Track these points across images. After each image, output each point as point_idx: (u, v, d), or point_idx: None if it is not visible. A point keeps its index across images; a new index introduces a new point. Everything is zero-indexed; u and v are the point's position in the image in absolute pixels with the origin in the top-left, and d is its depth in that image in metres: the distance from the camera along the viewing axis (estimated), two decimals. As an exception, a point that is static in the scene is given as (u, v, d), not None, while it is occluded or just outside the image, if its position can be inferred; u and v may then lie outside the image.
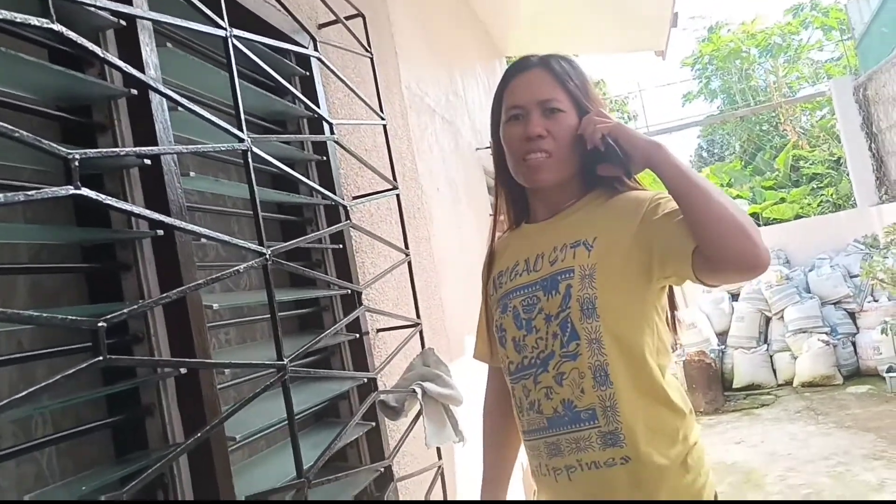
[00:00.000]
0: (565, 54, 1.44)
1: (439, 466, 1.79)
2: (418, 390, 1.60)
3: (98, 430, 1.03)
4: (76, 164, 0.71)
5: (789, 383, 6.94)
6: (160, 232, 1.05)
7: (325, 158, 1.72)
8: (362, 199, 1.73)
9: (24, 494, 0.93)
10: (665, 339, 1.37)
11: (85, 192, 0.71)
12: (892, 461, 4.53)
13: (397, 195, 1.86)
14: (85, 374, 1.00)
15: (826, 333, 6.86)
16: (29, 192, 0.65)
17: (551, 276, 1.35)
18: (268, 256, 1.09)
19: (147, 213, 0.82)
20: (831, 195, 9.73)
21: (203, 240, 1.14)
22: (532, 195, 1.46)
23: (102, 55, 0.80)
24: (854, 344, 6.89)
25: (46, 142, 0.68)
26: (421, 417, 1.65)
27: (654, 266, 1.28)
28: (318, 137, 1.62)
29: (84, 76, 0.99)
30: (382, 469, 1.64)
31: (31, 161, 0.99)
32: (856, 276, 7.03)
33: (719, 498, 1.38)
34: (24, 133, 0.65)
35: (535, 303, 1.35)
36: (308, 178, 1.55)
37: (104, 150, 0.79)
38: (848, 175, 8.74)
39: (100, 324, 0.69)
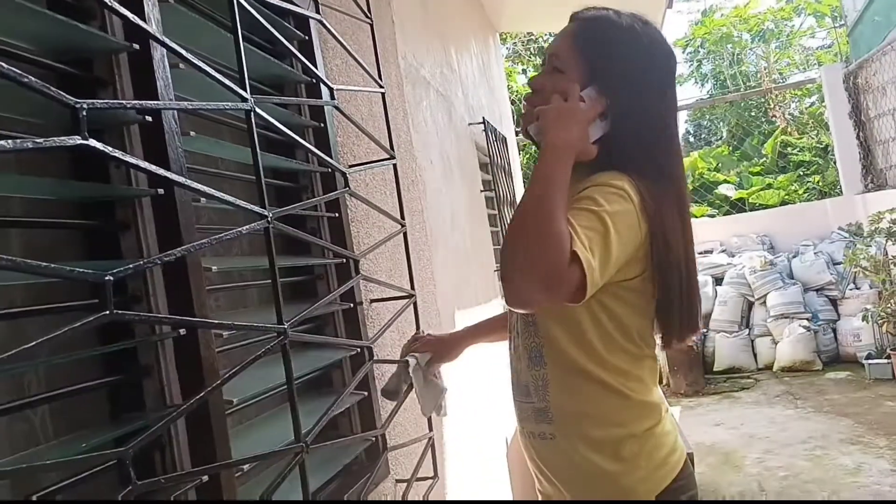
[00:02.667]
0: (622, 17, 1.32)
1: (430, 437, 1.79)
2: (412, 361, 1.59)
3: (93, 391, 1.02)
4: (84, 113, 0.69)
5: (769, 368, 7.02)
6: (161, 191, 1.03)
7: (322, 125, 1.70)
8: (360, 167, 1.71)
9: (16, 453, 0.92)
10: (630, 325, 1.31)
11: (92, 143, 0.70)
12: (868, 446, 4.61)
13: (394, 165, 1.84)
14: (81, 333, 0.99)
15: (807, 319, 6.94)
16: (38, 140, 0.63)
17: None
18: (270, 219, 1.07)
19: (154, 168, 0.81)
20: (818, 182, 9.78)
21: (203, 200, 1.12)
22: None
23: (108, 1, 0.78)
24: (835, 330, 6.98)
25: (55, 89, 0.66)
26: (413, 389, 1.64)
27: None
28: (320, 102, 1.60)
29: (85, 27, 0.97)
30: (374, 438, 1.64)
31: (25, 112, 0.97)
32: (839, 263, 7.10)
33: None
34: (33, 79, 0.63)
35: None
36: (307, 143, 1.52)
37: (111, 101, 0.77)
38: (835, 163, 8.79)
39: (107, 277, 0.68)
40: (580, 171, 1.27)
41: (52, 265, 0.63)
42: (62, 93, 0.67)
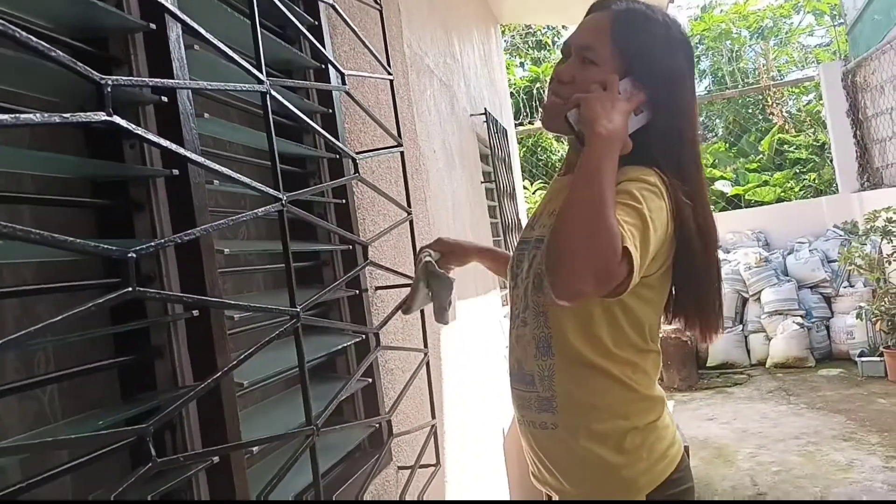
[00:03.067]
0: (656, 12, 1.32)
1: (433, 425, 1.79)
2: (426, 258, 1.55)
3: (104, 371, 1.02)
4: (108, 90, 0.69)
5: (762, 364, 7.06)
6: (175, 171, 1.03)
7: (330, 111, 1.69)
8: (368, 154, 1.70)
9: (26, 431, 0.92)
10: (643, 319, 1.31)
11: (117, 119, 0.69)
12: (860, 443, 4.64)
13: (401, 153, 1.84)
14: (95, 312, 0.98)
15: (801, 316, 6.97)
16: (65, 115, 0.63)
17: (536, 239, 1.37)
18: (284, 202, 1.07)
19: (173, 146, 0.80)
20: (814, 180, 9.81)
21: (216, 182, 1.12)
22: (569, 145, 1.45)
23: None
24: (828, 328, 7.01)
25: (82, 65, 0.66)
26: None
27: None
28: (332, 86, 1.59)
29: (102, 4, 0.96)
30: (377, 425, 1.64)
31: (38, 90, 0.96)
32: (834, 261, 7.14)
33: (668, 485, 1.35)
34: (61, 54, 0.63)
35: (522, 260, 1.40)
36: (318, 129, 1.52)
37: (134, 78, 0.77)
38: (831, 161, 8.81)
39: (130, 254, 0.68)
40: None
41: (79, 240, 0.63)
42: (89, 69, 0.67)
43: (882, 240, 6.11)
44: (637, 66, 1.27)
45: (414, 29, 2.74)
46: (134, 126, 0.73)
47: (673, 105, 1.30)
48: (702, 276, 1.31)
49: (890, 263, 5.93)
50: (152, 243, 0.73)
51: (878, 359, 6.10)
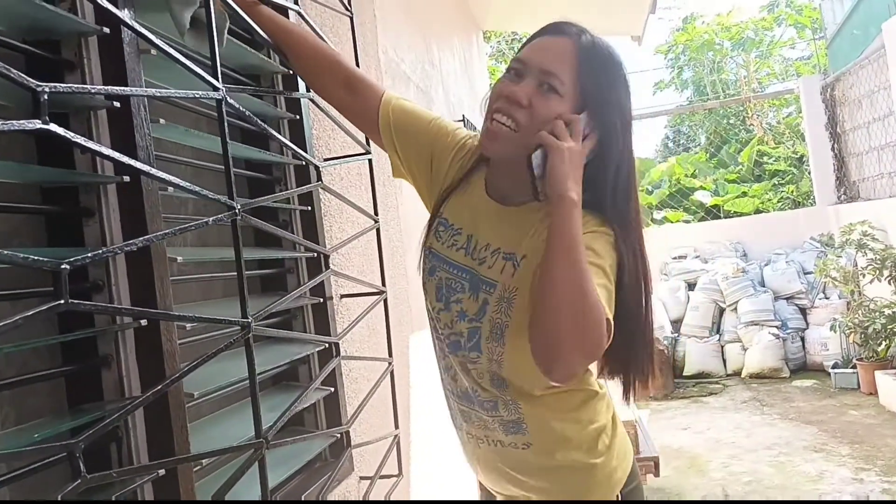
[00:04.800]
0: (616, 53, 1.26)
1: (396, 436, 1.78)
2: None
3: (49, 380, 1.00)
4: (45, 97, 0.67)
5: (738, 374, 7.09)
6: (126, 178, 1.01)
7: (297, 117, 1.68)
8: (334, 162, 1.70)
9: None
10: None
11: (53, 127, 0.68)
12: (831, 454, 4.67)
13: (370, 160, 1.83)
14: (39, 320, 0.97)
15: (777, 327, 7.02)
16: (-6, 122, 0.62)
17: (477, 276, 1.29)
18: (238, 210, 1.06)
19: (117, 155, 0.79)
20: (792, 192, 9.89)
21: (170, 189, 1.10)
22: (492, 164, 1.32)
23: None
24: (803, 339, 7.06)
25: (16, 71, 0.64)
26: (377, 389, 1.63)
27: None
28: (296, 94, 1.58)
29: (54, 9, 0.94)
30: (339, 435, 1.63)
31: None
32: (810, 272, 7.19)
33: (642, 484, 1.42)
34: (-8, 59, 0.62)
35: (458, 289, 1.31)
36: (280, 135, 1.51)
37: (75, 85, 0.76)
38: (809, 173, 8.89)
39: (63, 266, 0.66)
40: (526, 183, 1.21)
41: (6, 251, 0.62)
42: (23, 75, 0.66)
43: (857, 253, 6.16)
44: (594, 104, 1.21)
45: (390, 35, 2.73)
46: (73, 134, 0.71)
47: (625, 147, 1.24)
48: (631, 327, 1.23)
49: (864, 276, 5.98)
50: (88, 254, 0.71)
51: (851, 371, 6.15)
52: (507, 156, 1.23)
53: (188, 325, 1.13)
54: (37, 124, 0.67)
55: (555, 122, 1.18)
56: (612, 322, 1.08)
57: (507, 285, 1.24)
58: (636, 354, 1.27)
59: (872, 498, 3.94)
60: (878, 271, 5.61)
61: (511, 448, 1.33)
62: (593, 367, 1.33)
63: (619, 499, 1.34)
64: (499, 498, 1.45)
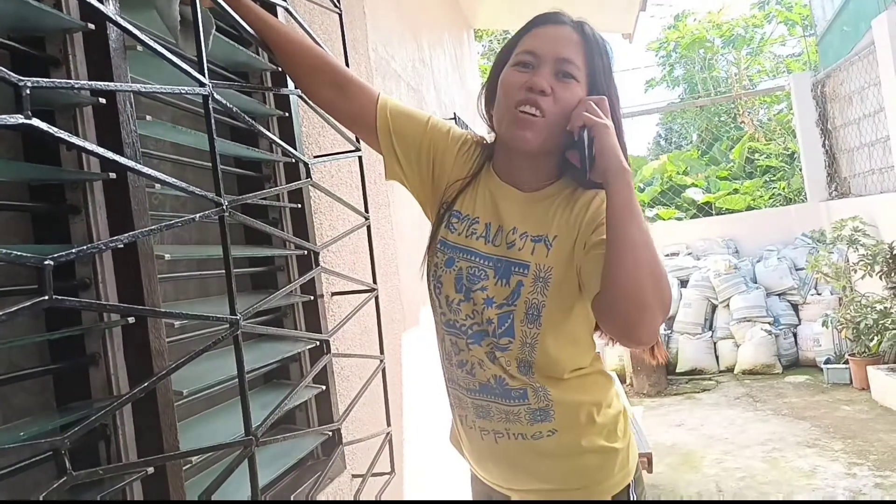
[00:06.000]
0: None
1: (388, 433, 1.77)
2: None
3: (36, 378, 0.99)
4: (27, 92, 0.67)
5: (731, 370, 7.11)
6: (112, 175, 1.01)
7: (287, 114, 1.67)
8: (324, 159, 1.69)
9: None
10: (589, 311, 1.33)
11: (36, 122, 0.67)
12: (824, 449, 4.69)
13: (360, 157, 1.82)
14: (27, 318, 0.96)
15: (769, 323, 7.04)
16: (-26, 117, 0.61)
17: (506, 261, 1.31)
18: (225, 207, 1.05)
19: (102, 151, 0.78)
20: (783, 189, 9.92)
21: (157, 186, 1.10)
22: (507, 153, 1.35)
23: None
24: (795, 335, 7.09)
25: (-3, 66, 0.64)
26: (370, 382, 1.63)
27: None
28: (284, 90, 1.58)
29: (38, 4, 0.94)
30: (330, 433, 1.62)
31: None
32: (801, 269, 7.22)
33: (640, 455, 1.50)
34: (-29, 53, 0.61)
35: (482, 277, 1.32)
36: (269, 132, 1.50)
37: (58, 80, 0.75)
38: (800, 170, 8.92)
39: (46, 261, 0.66)
40: (566, 183, 1.33)
41: (-12, 248, 0.61)
42: (4, 69, 0.65)
43: (848, 249, 6.19)
44: (601, 87, 1.29)
45: (380, 32, 2.73)
46: (56, 130, 0.71)
47: (620, 125, 1.30)
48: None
49: (856, 272, 6.00)
50: (73, 250, 0.71)
51: (843, 366, 6.17)
52: (540, 144, 1.26)
53: (176, 323, 1.13)
54: (19, 119, 0.67)
55: (586, 103, 1.24)
56: None
57: (542, 265, 1.28)
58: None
59: (865, 493, 3.95)
60: (869, 267, 5.63)
61: (533, 439, 1.34)
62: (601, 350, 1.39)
63: (633, 483, 1.39)
64: (514, 497, 1.45)
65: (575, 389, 1.34)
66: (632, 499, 1.38)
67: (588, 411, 1.34)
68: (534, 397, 1.32)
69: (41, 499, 0.65)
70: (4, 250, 0.63)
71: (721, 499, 4.12)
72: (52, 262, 0.67)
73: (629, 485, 1.38)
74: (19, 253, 0.65)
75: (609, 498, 1.36)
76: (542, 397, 1.32)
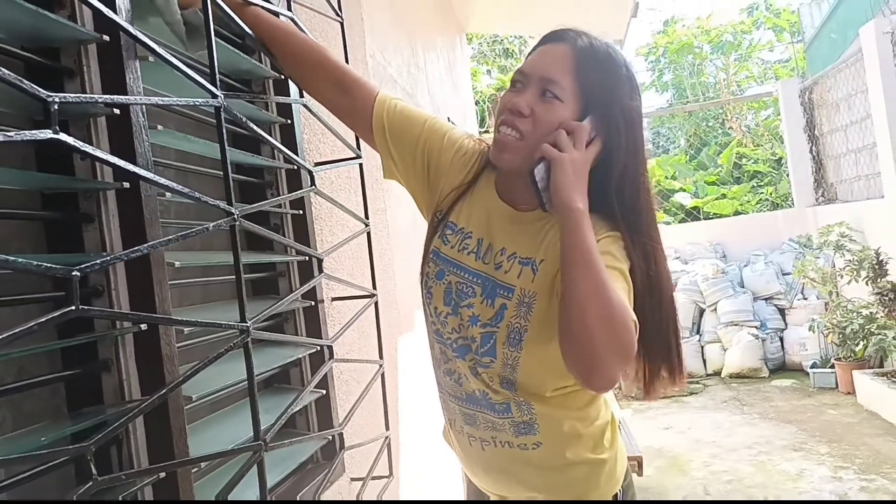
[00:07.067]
0: (617, 52, 1.27)
1: (386, 437, 1.80)
2: None
3: (50, 385, 1.01)
4: (55, 107, 0.69)
5: (718, 374, 7.18)
6: (126, 184, 1.02)
7: (289, 122, 1.69)
8: (326, 166, 1.71)
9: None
10: None
11: (63, 137, 0.69)
12: (810, 452, 4.74)
13: (360, 164, 1.84)
14: (43, 326, 0.97)
15: (756, 328, 7.11)
16: (9, 133, 0.63)
17: (493, 281, 1.30)
18: (236, 217, 1.07)
19: (119, 162, 0.80)
20: (770, 194, 10.01)
21: (168, 195, 1.12)
22: (500, 172, 1.34)
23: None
24: (782, 339, 7.16)
25: (28, 82, 0.65)
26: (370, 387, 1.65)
27: None
28: (288, 99, 1.60)
29: (55, 17, 0.95)
30: (331, 437, 1.64)
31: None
32: (788, 273, 7.29)
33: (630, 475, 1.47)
34: (6, 71, 0.63)
35: (469, 294, 1.31)
36: (273, 139, 1.52)
37: (82, 95, 0.77)
38: (788, 175, 9.00)
39: (74, 273, 0.67)
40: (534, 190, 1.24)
41: (20, 259, 0.63)
42: (35, 86, 0.67)
43: (835, 254, 6.26)
44: (597, 106, 1.22)
45: (377, 39, 2.75)
46: (82, 143, 0.73)
47: (630, 147, 1.24)
48: (651, 326, 1.24)
49: (842, 277, 6.07)
50: (97, 261, 0.73)
51: (829, 370, 6.24)
52: (517, 166, 1.23)
53: (185, 329, 1.14)
54: (48, 134, 0.68)
55: (557, 132, 1.19)
56: (637, 322, 1.11)
57: (527, 290, 1.25)
58: (660, 351, 1.28)
59: (851, 496, 4.00)
60: (855, 272, 5.70)
61: (520, 449, 1.34)
62: None
63: (621, 492, 1.38)
64: (495, 500, 1.47)
65: (559, 405, 1.32)
66: None
67: (573, 425, 1.34)
68: (517, 411, 1.32)
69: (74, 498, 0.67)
70: (35, 262, 0.65)
71: (708, 499, 4.16)
72: (79, 274, 0.69)
73: (617, 494, 1.38)
74: (48, 265, 0.66)
75: None
76: (525, 411, 1.31)
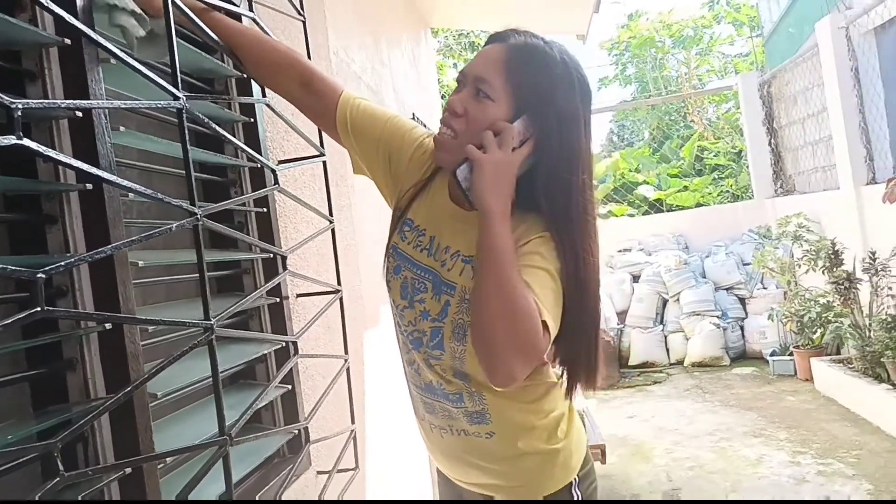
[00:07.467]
0: (557, 51, 1.25)
1: (352, 430, 1.82)
2: None
3: (14, 384, 1.02)
4: (18, 113, 0.70)
5: (681, 363, 7.31)
6: (89, 185, 1.04)
7: (252, 120, 1.71)
8: (290, 164, 1.73)
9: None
10: None
11: (27, 142, 0.71)
12: (770, 438, 4.86)
13: (324, 162, 1.86)
14: (8, 327, 0.99)
15: (717, 317, 7.25)
16: (-29, 140, 0.64)
17: (439, 277, 1.33)
18: (199, 216, 1.09)
19: (81, 165, 0.82)
20: (731, 186, 10.19)
21: (131, 196, 1.13)
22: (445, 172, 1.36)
23: None
24: (742, 328, 7.31)
25: (-10, 89, 0.67)
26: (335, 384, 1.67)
27: None
28: (252, 99, 1.61)
29: (15, 21, 0.96)
30: (297, 431, 1.66)
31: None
32: (748, 264, 7.44)
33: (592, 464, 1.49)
34: (-31, 79, 0.64)
35: (422, 290, 1.35)
36: (235, 138, 1.53)
37: (45, 101, 0.78)
38: (747, 168, 9.17)
39: (39, 275, 0.69)
40: None
41: (-15, 263, 0.65)
42: (-3, 93, 0.69)
43: (793, 244, 6.40)
44: (530, 105, 1.23)
45: (340, 36, 2.76)
46: (45, 148, 0.75)
47: (564, 148, 1.23)
48: (573, 328, 1.25)
49: (800, 267, 6.22)
50: (62, 263, 0.75)
51: (788, 358, 6.39)
52: (453, 165, 1.25)
53: (150, 328, 1.16)
54: (12, 140, 0.70)
55: (484, 132, 1.21)
56: (552, 323, 1.13)
57: (468, 287, 1.28)
58: (578, 353, 1.30)
59: (809, 480, 4.12)
60: (812, 262, 5.84)
61: (475, 437, 1.38)
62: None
63: (577, 481, 1.41)
64: (461, 486, 1.50)
65: (512, 397, 1.35)
66: (575, 497, 1.40)
67: (525, 416, 1.37)
68: (470, 401, 1.35)
69: (37, 499, 0.69)
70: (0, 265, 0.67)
71: (671, 488, 4.25)
72: (44, 276, 0.71)
73: (572, 482, 1.41)
74: (14, 267, 0.68)
75: (547, 494, 1.40)
76: (477, 401, 1.35)
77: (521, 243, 1.22)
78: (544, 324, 1.11)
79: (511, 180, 1.20)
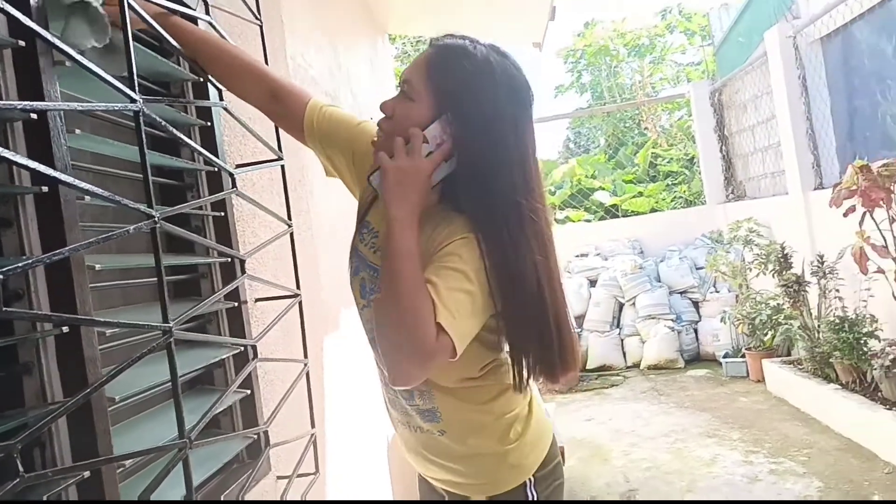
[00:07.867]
0: (482, 53, 1.25)
1: (312, 434, 1.82)
2: None
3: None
4: (-26, 113, 0.70)
5: (637, 365, 7.41)
6: (44, 188, 1.03)
7: (209, 124, 1.70)
8: (247, 168, 1.72)
9: None
10: (491, 349, 1.36)
11: (-17, 142, 0.71)
12: (723, 439, 4.96)
13: (282, 166, 1.86)
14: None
15: (672, 320, 7.37)
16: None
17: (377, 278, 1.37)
18: (157, 219, 1.09)
19: (41, 167, 0.81)
20: (684, 192, 10.37)
21: (87, 198, 1.12)
22: None
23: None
24: (696, 331, 7.44)
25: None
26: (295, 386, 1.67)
27: None
28: (209, 103, 1.61)
29: (-32, 22, 0.96)
30: (256, 436, 1.66)
31: None
32: (701, 268, 7.58)
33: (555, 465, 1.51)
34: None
35: (376, 290, 1.35)
36: (192, 142, 1.53)
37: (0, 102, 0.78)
38: (700, 174, 9.35)
39: (-3, 276, 0.69)
40: (446, 206, 1.29)
41: (-57, 264, 0.64)
42: (-46, 93, 0.68)
43: (744, 248, 6.55)
44: (449, 105, 1.23)
45: (297, 40, 2.76)
46: (1, 149, 0.74)
47: (487, 149, 1.23)
48: (517, 322, 1.26)
49: (751, 270, 6.35)
50: (18, 265, 0.74)
51: (740, 360, 6.52)
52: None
53: (107, 331, 1.15)
54: (-32, 140, 0.70)
55: (395, 139, 1.22)
56: (451, 324, 1.13)
57: None
58: (527, 347, 1.29)
59: (761, 479, 4.21)
60: (763, 265, 5.97)
61: (429, 434, 1.42)
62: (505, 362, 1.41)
63: (532, 481, 1.43)
64: (430, 480, 1.53)
65: (462, 398, 1.38)
66: (530, 497, 1.42)
67: (476, 417, 1.39)
68: (420, 399, 1.39)
69: (-4, 501, 0.69)
70: (-43, 266, 0.66)
71: (629, 489, 4.31)
72: (1, 276, 0.70)
73: (526, 483, 1.42)
74: (-29, 268, 0.68)
75: (498, 493, 1.42)
76: (427, 400, 1.38)
77: (444, 245, 1.23)
78: (439, 326, 1.12)
79: (419, 187, 1.21)
